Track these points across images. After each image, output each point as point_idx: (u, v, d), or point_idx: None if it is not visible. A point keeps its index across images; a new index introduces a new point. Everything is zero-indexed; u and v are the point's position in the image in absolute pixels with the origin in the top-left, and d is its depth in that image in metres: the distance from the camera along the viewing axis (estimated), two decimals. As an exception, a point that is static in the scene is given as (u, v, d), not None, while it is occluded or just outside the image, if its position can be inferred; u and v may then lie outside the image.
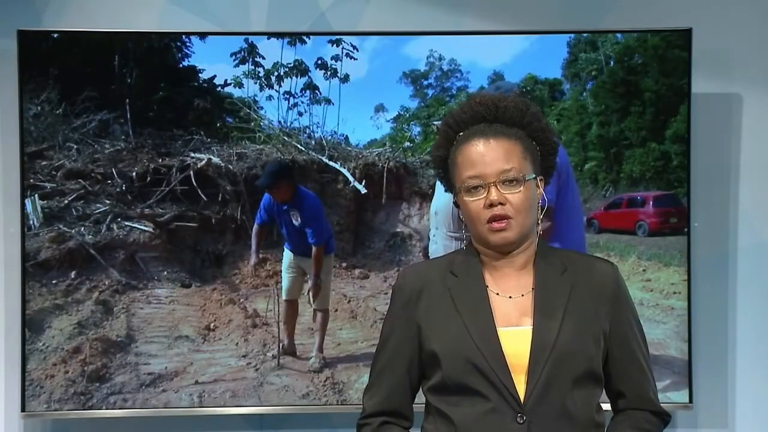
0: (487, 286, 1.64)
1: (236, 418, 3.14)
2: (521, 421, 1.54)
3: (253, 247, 3.19)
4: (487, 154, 1.59)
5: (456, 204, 1.68)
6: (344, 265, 3.25)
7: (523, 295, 1.63)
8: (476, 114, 1.65)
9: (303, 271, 3.22)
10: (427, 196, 3.19)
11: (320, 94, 3.17)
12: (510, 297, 1.63)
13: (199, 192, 3.16)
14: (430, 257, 2.95)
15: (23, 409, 3.01)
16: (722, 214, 3.20)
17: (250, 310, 3.19)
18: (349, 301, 3.24)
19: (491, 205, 1.58)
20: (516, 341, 1.57)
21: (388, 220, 3.27)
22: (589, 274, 1.65)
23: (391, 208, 3.26)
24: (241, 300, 3.20)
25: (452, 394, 1.60)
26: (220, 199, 3.17)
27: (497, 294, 1.63)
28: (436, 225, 3.06)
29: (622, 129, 3.16)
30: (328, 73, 3.15)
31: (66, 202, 3.11)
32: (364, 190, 3.21)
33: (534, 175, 1.62)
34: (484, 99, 1.66)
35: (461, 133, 1.65)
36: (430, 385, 1.65)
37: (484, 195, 1.58)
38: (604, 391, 1.69)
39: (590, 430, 1.61)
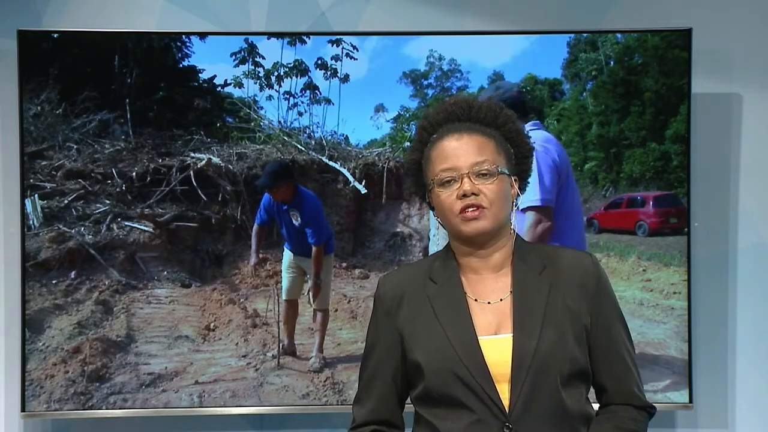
0: (466, 293, 1.63)
1: (236, 418, 3.14)
2: (507, 431, 1.53)
3: (253, 247, 3.19)
4: (460, 148, 1.60)
5: (429, 204, 1.68)
6: (344, 265, 3.25)
7: (501, 300, 1.62)
8: (451, 114, 1.66)
9: (303, 271, 3.22)
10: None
11: (320, 94, 3.17)
12: (489, 303, 1.62)
13: (199, 192, 3.16)
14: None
15: (23, 409, 3.02)
16: (722, 214, 3.20)
17: (250, 310, 3.19)
18: (349, 301, 3.25)
19: (464, 196, 1.57)
20: (497, 350, 1.57)
21: (388, 220, 3.27)
22: (569, 270, 1.64)
23: (391, 208, 3.27)
24: (241, 300, 3.20)
25: (438, 405, 1.59)
26: (220, 199, 3.18)
27: (476, 300, 1.62)
28: (436, 225, 3.07)
29: (622, 129, 3.16)
30: (328, 73, 3.15)
31: (66, 202, 3.11)
32: (364, 190, 3.21)
33: (508, 172, 1.62)
34: (458, 100, 1.68)
35: (435, 134, 1.66)
36: (416, 395, 1.65)
37: (457, 186, 1.58)
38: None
39: (581, 426, 1.61)
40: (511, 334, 1.57)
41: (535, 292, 1.61)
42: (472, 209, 1.57)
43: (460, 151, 1.59)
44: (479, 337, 1.58)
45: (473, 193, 1.57)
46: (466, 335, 1.58)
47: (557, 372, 1.56)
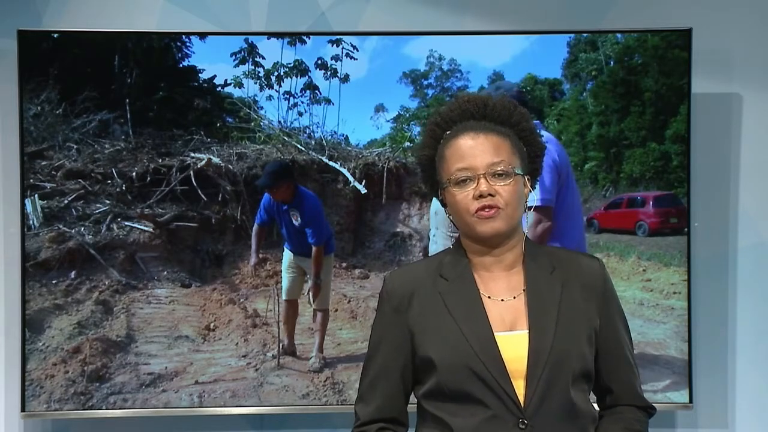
0: (479, 290, 1.63)
1: (236, 418, 3.14)
2: (523, 427, 1.53)
3: (253, 247, 3.19)
4: (476, 147, 1.60)
5: (442, 202, 1.67)
6: (344, 265, 3.25)
7: (514, 297, 1.62)
8: (465, 112, 1.65)
9: (303, 271, 3.22)
10: (427, 196, 3.19)
11: (320, 94, 3.17)
12: (502, 300, 1.62)
13: (199, 192, 3.16)
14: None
15: (23, 409, 3.02)
16: (722, 214, 3.20)
17: (250, 310, 3.19)
18: (349, 301, 3.24)
19: (480, 196, 1.57)
20: (513, 346, 1.57)
21: (388, 220, 3.27)
22: (578, 272, 1.65)
23: (391, 208, 3.27)
24: (241, 300, 3.20)
25: (449, 401, 1.59)
26: (220, 199, 3.18)
27: (489, 297, 1.62)
28: (436, 225, 3.07)
29: (622, 129, 3.16)
30: (328, 73, 3.15)
31: (66, 202, 3.11)
32: (364, 190, 3.21)
33: (522, 172, 1.62)
34: (472, 97, 1.67)
35: (449, 131, 1.65)
36: (425, 391, 1.63)
37: (473, 186, 1.58)
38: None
39: (589, 425, 1.62)
40: (527, 331, 1.58)
41: (548, 290, 1.62)
42: (488, 209, 1.57)
43: (477, 151, 1.59)
44: (495, 333, 1.58)
45: (489, 194, 1.57)
46: (481, 330, 1.57)
47: (570, 370, 1.57)
